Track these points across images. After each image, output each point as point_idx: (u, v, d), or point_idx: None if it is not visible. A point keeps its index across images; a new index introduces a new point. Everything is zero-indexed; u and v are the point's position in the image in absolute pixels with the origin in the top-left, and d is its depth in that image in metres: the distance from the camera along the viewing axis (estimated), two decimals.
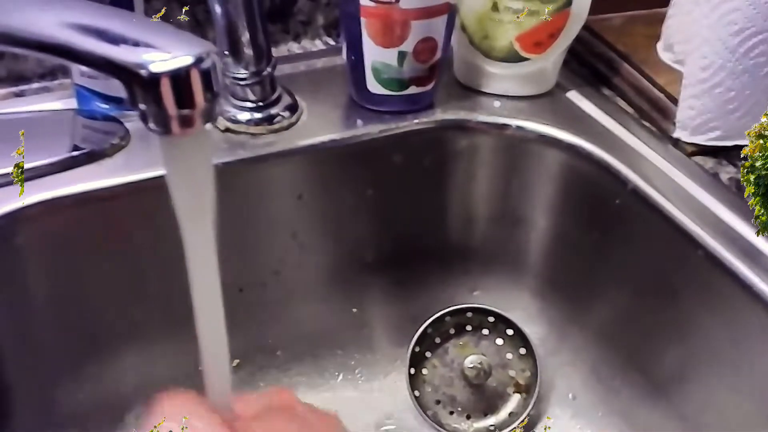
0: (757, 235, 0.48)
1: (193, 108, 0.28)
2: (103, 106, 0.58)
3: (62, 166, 0.53)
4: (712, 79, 0.57)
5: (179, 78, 0.28)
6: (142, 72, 0.28)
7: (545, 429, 0.65)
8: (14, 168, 0.47)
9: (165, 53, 0.28)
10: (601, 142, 0.61)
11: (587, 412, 0.66)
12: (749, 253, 0.52)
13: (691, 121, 0.60)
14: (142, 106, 0.28)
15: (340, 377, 0.70)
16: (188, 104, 0.28)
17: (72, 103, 0.59)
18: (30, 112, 0.60)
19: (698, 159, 0.61)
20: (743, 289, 0.50)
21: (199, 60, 0.28)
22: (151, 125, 0.29)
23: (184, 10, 0.64)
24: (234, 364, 0.66)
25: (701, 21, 0.57)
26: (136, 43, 0.28)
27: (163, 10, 0.52)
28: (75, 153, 0.54)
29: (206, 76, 0.28)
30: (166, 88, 0.28)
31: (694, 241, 0.53)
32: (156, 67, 0.28)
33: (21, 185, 0.50)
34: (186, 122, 0.29)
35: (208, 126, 0.30)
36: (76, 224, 0.54)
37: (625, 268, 0.61)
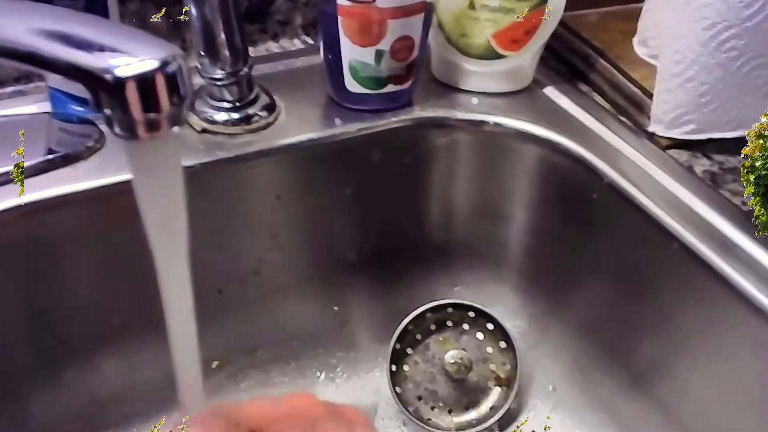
0: (757, 235, 0.48)
1: (159, 112, 0.28)
2: (78, 109, 0.58)
3: (37, 169, 0.53)
4: (685, 73, 0.57)
5: (145, 82, 0.28)
6: (107, 76, 0.28)
7: (545, 429, 0.65)
8: (14, 168, 0.49)
9: (130, 57, 0.28)
10: (577, 138, 0.61)
11: (568, 404, 0.66)
12: (724, 245, 0.52)
13: (665, 115, 0.60)
14: (107, 111, 0.28)
15: (322, 376, 0.70)
16: (154, 108, 0.28)
17: (47, 107, 0.59)
18: (5, 116, 0.60)
19: (673, 152, 0.61)
20: (718, 281, 0.51)
21: (164, 63, 0.28)
22: (117, 130, 0.29)
23: (158, 15, 0.64)
24: (213, 365, 0.66)
25: (674, 16, 0.57)
26: (101, 48, 0.28)
27: (163, 10, 0.53)
28: (50, 156, 0.53)
29: (172, 80, 0.28)
30: (131, 93, 0.28)
31: (670, 234, 0.54)
32: (121, 72, 0.28)
33: (21, 185, 0.51)
34: (152, 126, 0.29)
35: (177, 130, 0.30)
36: (51, 228, 0.54)
37: (603, 262, 0.62)
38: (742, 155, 0.46)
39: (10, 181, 0.52)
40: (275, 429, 0.39)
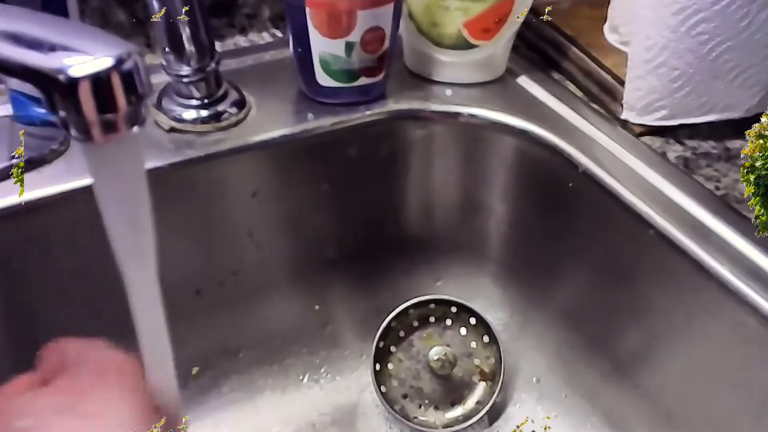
0: (757, 235, 0.48)
1: (116, 112, 0.27)
2: (40, 111, 0.56)
3: (1, 175, 0.51)
4: (656, 59, 0.57)
5: (99, 81, 0.27)
6: (60, 77, 0.26)
7: (545, 429, 0.65)
8: (14, 168, 0.49)
9: (84, 56, 0.27)
10: (552, 127, 0.61)
11: (552, 394, 0.67)
12: (698, 230, 0.52)
13: (637, 102, 0.60)
14: (62, 113, 0.27)
15: (306, 377, 0.69)
16: (110, 108, 0.27)
17: (8, 110, 0.58)
18: None
19: (646, 139, 0.61)
20: (693, 266, 0.51)
21: (120, 61, 0.27)
22: (74, 132, 0.28)
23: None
24: (194, 372, 0.65)
25: (643, 2, 0.57)
26: (53, 47, 0.27)
27: (163, 10, 0.52)
28: (14, 161, 0.52)
29: (128, 78, 0.27)
30: (85, 93, 0.26)
31: (645, 221, 0.54)
32: (74, 71, 0.26)
33: (21, 185, 0.51)
34: (110, 127, 0.27)
35: (136, 130, 0.28)
36: (19, 235, 0.53)
37: (582, 251, 0.62)
38: (742, 155, 0.46)
39: None
40: None
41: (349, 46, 0.58)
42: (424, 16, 0.62)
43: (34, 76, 0.27)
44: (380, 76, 0.61)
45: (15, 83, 0.55)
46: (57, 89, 0.27)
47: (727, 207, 0.54)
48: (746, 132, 0.46)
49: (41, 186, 0.52)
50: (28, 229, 0.53)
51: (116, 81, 0.27)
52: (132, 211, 0.30)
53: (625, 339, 0.60)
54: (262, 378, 0.68)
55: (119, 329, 0.57)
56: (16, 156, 0.52)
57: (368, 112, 0.62)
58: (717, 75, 0.58)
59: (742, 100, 0.60)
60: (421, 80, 0.66)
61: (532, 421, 0.66)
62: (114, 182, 0.29)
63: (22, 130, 0.55)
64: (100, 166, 0.29)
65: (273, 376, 0.68)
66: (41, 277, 0.56)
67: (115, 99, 0.27)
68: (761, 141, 0.45)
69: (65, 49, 0.27)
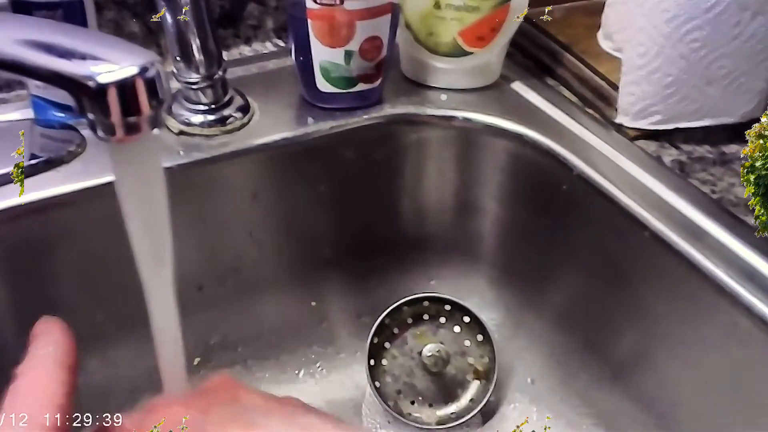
0: (757, 235, 0.48)
1: (140, 115, 0.30)
2: (59, 115, 0.59)
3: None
4: (649, 65, 0.58)
5: (125, 87, 0.29)
6: (90, 83, 0.29)
7: (545, 429, 0.65)
8: (14, 168, 0.50)
9: (111, 64, 0.29)
10: (546, 131, 0.62)
11: (546, 395, 0.67)
12: (694, 233, 0.53)
13: (632, 107, 0.61)
14: (90, 116, 0.30)
15: (302, 372, 0.70)
16: (135, 112, 0.30)
17: (29, 114, 0.60)
18: None
19: (641, 143, 0.62)
20: (689, 269, 0.51)
21: (143, 69, 0.30)
22: (100, 133, 0.30)
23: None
24: (195, 362, 0.66)
25: (636, 10, 0.58)
26: (83, 56, 0.30)
27: (163, 10, 0.54)
28: (33, 161, 0.54)
29: (151, 85, 0.30)
30: (113, 98, 0.29)
31: (640, 224, 0.54)
32: (103, 78, 0.29)
33: (21, 185, 0.52)
34: (133, 129, 0.30)
35: (156, 131, 0.31)
36: (35, 231, 0.55)
37: (576, 253, 0.62)
38: (742, 155, 0.46)
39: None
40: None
41: (348, 54, 0.60)
42: (421, 26, 0.64)
43: (65, 83, 0.30)
44: (377, 82, 0.63)
45: (35, 88, 0.58)
46: (86, 94, 0.29)
47: (721, 209, 0.54)
48: (746, 132, 0.46)
49: (60, 184, 0.55)
50: (50, 223, 0.55)
51: (140, 87, 0.30)
52: (151, 205, 0.33)
53: (620, 340, 0.60)
54: (260, 371, 0.69)
55: (128, 323, 0.59)
56: (16, 156, 0.53)
57: (365, 117, 0.64)
58: (711, 81, 0.58)
59: (736, 105, 0.60)
60: (416, 86, 0.68)
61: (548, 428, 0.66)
62: (135, 178, 0.32)
63: (22, 131, 0.57)
64: (123, 163, 0.32)
65: (270, 370, 0.69)
66: (54, 272, 0.57)
67: (139, 103, 0.30)
68: (761, 141, 0.45)
69: (94, 57, 0.30)
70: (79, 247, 0.57)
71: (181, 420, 0.34)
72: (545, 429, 0.65)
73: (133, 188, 0.32)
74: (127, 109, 0.30)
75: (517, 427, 0.66)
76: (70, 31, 0.31)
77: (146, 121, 0.30)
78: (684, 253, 0.52)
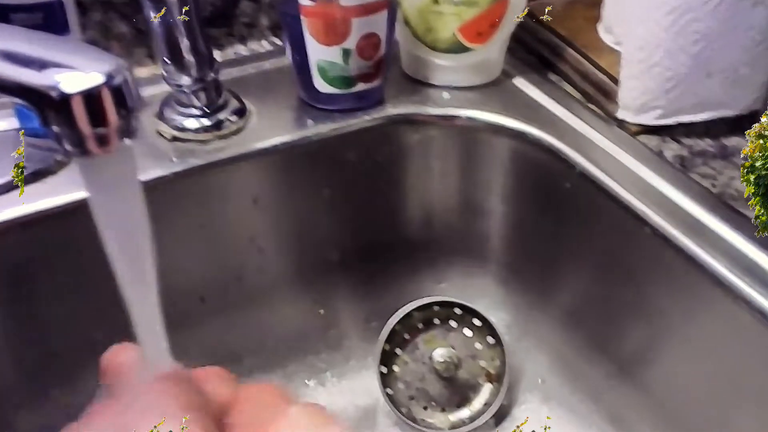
0: (757, 235, 0.48)
1: (107, 126, 0.28)
2: None
3: (7, 187, 0.53)
4: (649, 59, 0.58)
5: (90, 96, 0.27)
6: (53, 93, 0.27)
7: (545, 429, 0.65)
8: (14, 168, 0.48)
9: (75, 72, 0.28)
10: (549, 128, 0.62)
11: (557, 395, 0.67)
12: (696, 228, 0.53)
13: (633, 102, 0.60)
14: (55, 128, 0.28)
15: (311, 382, 0.69)
16: (102, 122, 0.28)
17: (15, 123, 0.59)
18: None
19: (643, 138, 0.61)
20: (691, 264, 0.51)
21: (110, 77, 0.28)
22: (67, 147, 0.28)
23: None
24: None
25: (636, 3, 0.58)
26: (44, 65, 0.28)
27: (163, 10, 0.53)
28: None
29: (118, 93, 0.28)
30: (78, 108, 0.27)
31: (642, 220, 0.54)
32: (66, 87, 0.27)
33: (21, 185, 0.52)
34: (102, 141, 0.28)
35: (128, 142, 0.29)
36: (26, 244, 0.54)
37: (581, 250, 0.62)
38: (742, 155, 0.46)
39: None
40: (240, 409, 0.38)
41: (346, 53, 0.59)
42: (419, 22, 0.63)
43: (27, 93, 0.28)
44: (377, 82, 0.62)
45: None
46: (49, 105, 0.27)
47: (723, 204, 0.54)
48: (746, 132, 0.46)
49: (48, 196, 0.54)
50: (43, 236, 0.54)
51: (107, 96, 0.28)
52: (129, 219, 0.31)
53: (626, 337, 0.60)
54: (267, 383, 0.68)
55: (127, 337, 0.58)
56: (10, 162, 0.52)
57: (366, 118, 0.63)
58: (711, 73, 0.58)
59: (737, 97, 0.60)
60: (418, 84, 0.67)
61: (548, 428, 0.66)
62: (108, 193, 0.30)
63: (22, 131, 0.55)
64: (94, 177, 0.30)
65: (278, 381, 0.68)
66: (49, 287, 0.56)
67: (106, 113, 0.28)
68: (761, 141, 0.45)
69: (57, 65, 0.28)
70: (69, 260, 0.56)
71: None
72: (545, 429, 0.65)
73: (107, 205, 0.30)
74: (93, 119, 0.28)
75: (517, 426, 0.66)
76: (32, 37, 0.29)
77: (115, 132, 0.28)
78: (685, 248, 0.52)
